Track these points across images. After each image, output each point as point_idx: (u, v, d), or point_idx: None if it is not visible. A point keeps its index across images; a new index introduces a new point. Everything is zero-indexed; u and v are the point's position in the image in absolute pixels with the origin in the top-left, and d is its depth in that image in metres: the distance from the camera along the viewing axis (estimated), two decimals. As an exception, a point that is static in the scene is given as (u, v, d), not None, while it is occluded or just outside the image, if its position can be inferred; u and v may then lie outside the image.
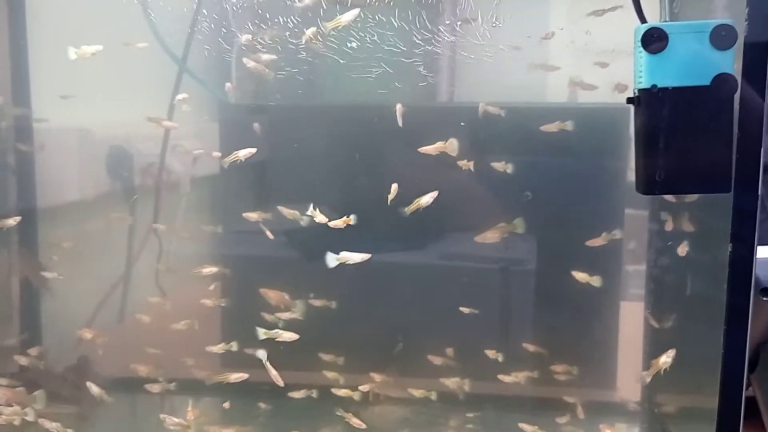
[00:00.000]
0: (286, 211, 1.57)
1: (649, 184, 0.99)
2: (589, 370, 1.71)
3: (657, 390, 1.69)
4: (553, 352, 1.68)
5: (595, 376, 1.74)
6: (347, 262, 1.41)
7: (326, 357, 1.68)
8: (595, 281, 1.59)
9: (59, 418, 1.54)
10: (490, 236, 1.59)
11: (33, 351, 1.66)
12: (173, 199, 1.87)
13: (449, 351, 1.69)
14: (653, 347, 1.71)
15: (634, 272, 1.76)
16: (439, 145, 1.46)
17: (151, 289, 1.84)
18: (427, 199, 1.43)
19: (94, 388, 1.60)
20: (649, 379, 1.43)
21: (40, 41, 1.82)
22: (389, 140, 1.68)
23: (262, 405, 1.70)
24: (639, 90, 0.98)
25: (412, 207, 1.43)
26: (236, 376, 1.56)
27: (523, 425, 1.54)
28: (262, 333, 1.47)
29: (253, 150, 1.53)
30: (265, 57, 1.62)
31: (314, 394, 1.64)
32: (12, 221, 1.66)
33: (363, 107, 1.71)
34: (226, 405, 1.64)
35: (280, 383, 1.44)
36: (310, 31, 1.52)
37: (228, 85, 1.68)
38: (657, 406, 1.69)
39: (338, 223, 1.46)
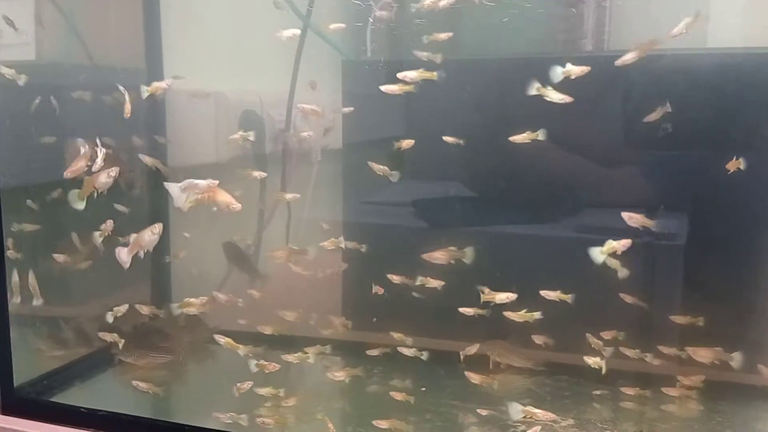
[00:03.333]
0: (377, 167, 1.54)
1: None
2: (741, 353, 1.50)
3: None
4: (700, 332, 1.50)
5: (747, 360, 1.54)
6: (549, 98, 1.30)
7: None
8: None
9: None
10: (438, 256, 1.51)
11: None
12: (304, 168, 1.87)
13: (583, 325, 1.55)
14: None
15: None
16: None
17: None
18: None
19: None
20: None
21: (171, 11, 1.88)
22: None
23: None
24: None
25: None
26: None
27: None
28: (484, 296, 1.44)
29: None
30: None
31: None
32: (290, 196, 1.68)
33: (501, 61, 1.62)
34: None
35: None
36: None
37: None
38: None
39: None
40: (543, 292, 1.43)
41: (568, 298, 1.41)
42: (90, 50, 1.82)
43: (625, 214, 1.33)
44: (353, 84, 1.79)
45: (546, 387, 1.55)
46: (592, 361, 1.39)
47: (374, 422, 1.39)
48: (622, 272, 1.34)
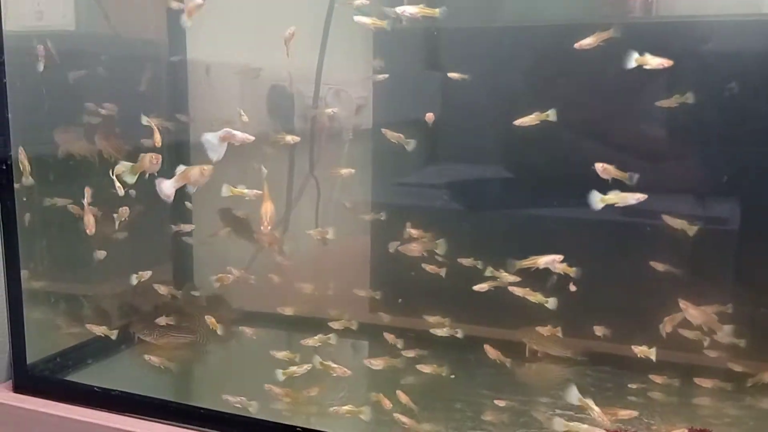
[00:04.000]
0: (390, 134, 1.49)
1: None
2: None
3: None
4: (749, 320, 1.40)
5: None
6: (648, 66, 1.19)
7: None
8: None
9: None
10: (413, 248, 1.51)
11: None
12: (335, 146, 1.79)
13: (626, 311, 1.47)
14: None
15: None
16: None
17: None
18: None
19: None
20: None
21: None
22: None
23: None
24: None
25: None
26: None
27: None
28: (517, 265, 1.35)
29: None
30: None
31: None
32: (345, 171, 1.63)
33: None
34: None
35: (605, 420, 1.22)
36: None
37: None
38: None
39: None
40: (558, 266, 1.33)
41: (572, 271, 1.31)
42: (113, 22, 1.78)
43: (598, 165, 1.23)
44: (386, 57, 1.69)
45: (587, 378, 1.46)
46: (639, 350, 1.28)
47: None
48: (691, 230, 1.33)
